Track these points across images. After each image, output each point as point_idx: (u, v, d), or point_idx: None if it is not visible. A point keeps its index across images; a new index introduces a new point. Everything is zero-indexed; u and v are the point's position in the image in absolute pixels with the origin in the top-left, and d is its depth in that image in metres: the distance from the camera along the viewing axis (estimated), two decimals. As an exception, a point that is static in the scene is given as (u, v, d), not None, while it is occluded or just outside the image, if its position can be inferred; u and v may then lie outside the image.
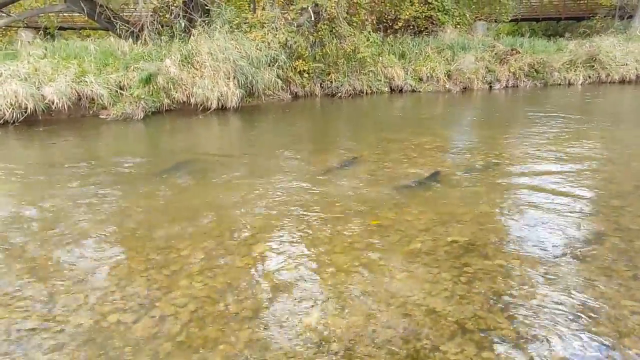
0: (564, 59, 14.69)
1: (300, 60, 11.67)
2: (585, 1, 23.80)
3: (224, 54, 9.53)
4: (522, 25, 26.68)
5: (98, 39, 13.42)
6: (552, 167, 5.31)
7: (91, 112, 8.98)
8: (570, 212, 3.89)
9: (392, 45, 13.54)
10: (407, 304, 2.59)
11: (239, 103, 9.72)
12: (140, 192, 4.68)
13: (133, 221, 3.88)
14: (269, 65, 10.48)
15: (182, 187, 4.85)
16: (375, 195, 4.41)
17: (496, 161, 5.68)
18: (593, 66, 14.76)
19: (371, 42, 12.36)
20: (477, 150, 6.29)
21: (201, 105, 9.49)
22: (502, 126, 8.63)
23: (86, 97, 8.83)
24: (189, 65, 9.52)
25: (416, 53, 13.61)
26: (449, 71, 13.31)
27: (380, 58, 12.86)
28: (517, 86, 14.08)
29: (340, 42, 12.22)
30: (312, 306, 2.60)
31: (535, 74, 14.21)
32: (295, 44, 11.39)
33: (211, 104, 9.43)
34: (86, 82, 8.82)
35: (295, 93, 11.82)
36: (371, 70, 12.73)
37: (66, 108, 8.52)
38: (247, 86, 10.03)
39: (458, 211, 3.93)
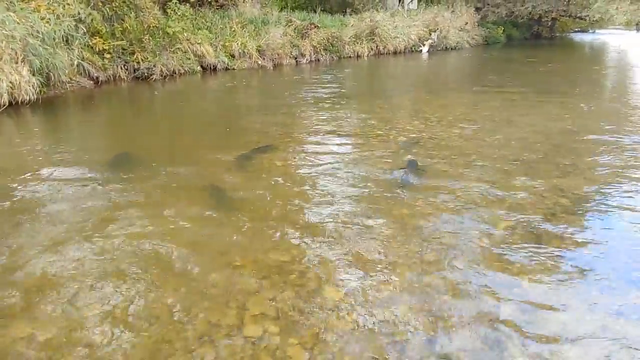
0: (350, 33, 16.82)
1: (98, 38, 10.12)
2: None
3: (6, 29, 7.51)
4: (287, 1, 28.92)
5: None
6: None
7: None
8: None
9: (195, 20, 12.96)
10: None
11: (37, 95, 7.89)
12: None
13: None
14: (66, 44, 8.78)
15: None
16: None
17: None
18: (373, 39, 17.39)
19: (180, 15, 11.59)
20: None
21: (-19, 101, 7.34)
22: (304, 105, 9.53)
23: None
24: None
25: (221, 28, 13.41)
26: (260, 47, 13.65)
27: (186, 34, 12.18)
28: (319, 60, 15.51)
29: (138, 16, 11.08)
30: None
31: (331, 47, 15.89)
32: (89, 16, 9.80)
33: (-1, 99, 7.39)
34: None
35: (97, 78, 10.22)
36: (179, 48, 11.98)
37: None
38: (43, 72, 8.21)
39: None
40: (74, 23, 9.24)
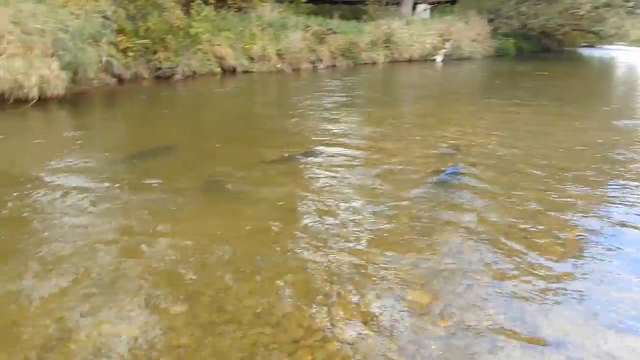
0: (367, 40, 16.80)
1: (122, 36, 10.06)
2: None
3: (39, 24, 7.44)
4: (298, 6, 28.97)
5: None
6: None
7: None
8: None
9: (216, 21, 12.92)
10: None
11: (67, 90, 7.81)
12: None
13: None
14: (95, 41, 8.72)
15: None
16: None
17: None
18: (389, 46, 17.39)
19: (203, 16, 11.55)
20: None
21: (10, 95, 7.24)
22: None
23: None
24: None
25: (241, 30, 13.37)
26: (279, 50, 13.61)
27: (207, 35, 12.12)
28: (335, 65, 15.48)
29: (161, 15, 11.04)
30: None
31: (348, 53, 15.86)
32: (115, 14, 9.75)
33: (28, 92, 7.29)
34: None
35: (120, 76, 10.14)
36: (199, 49, 11.93)
37: None
38: (72, 67, 8.13)
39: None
40: (102, 20, 9.20)
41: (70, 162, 4.95)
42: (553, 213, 3.92)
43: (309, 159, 5.35)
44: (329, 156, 5.45)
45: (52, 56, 7.74)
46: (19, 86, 7.23)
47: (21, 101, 7.28)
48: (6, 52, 7.24)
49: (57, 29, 7.78)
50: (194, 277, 2.88)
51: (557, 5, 21.39)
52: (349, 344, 2.32)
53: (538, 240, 3.44)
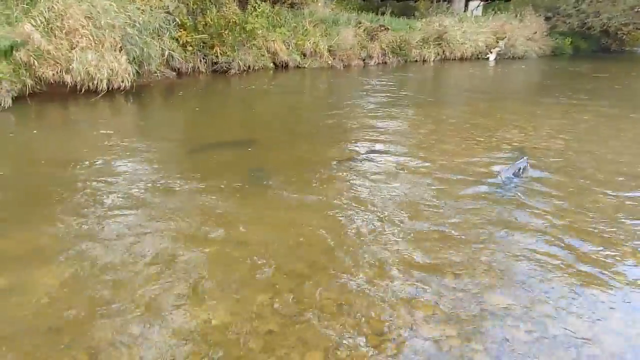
0: (418, 37, 16.61)
1: (183, 30, 10.38)
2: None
3: (109, 18, 7.79)
4: (348, 2, 28.89)
5: None
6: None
7: None
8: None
9: (270, 17, 13.11)
10: None
11: (133, 83, 8.15)
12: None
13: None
14: (158, 36, 9.05)
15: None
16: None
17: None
18: (440, 44, 17.12)
19: (259, 12, 11.75)
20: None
21: (82, 86, 7.63)
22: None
23: None
24: (60, 32, 7.49)
25: (294, 26, 13.51)
26: (331, 47, 13.67)
27: (261, 31, 12.32)
28: (386, 62, 15.40)
29: (219, 11, 11.30)
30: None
31: (399, 50, 15.74)
32: (177, 9, 10.08)
33: (98, 84, 7.66)
34: None
35: (178, 69, 10.49)
36: (254, 44, 12.15)
37: None
38: (137, 61, 8.48)
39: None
40: (164, 15, 9.53)
41: (141, 153, 5.21)
42: (629, 219, 3.80)
43: (372, 156, 5.37)
44: (390, 156, 5.45)
45: (121, 50, 8.10)
46: (90, 78, 7.61)
47: (91, 92, 7.67)
48: (79, 45, 7.63)
49: (125, 24, 8.12)
50: (271, 268, 2.98)
51: (621, 3, 20.41)
52: (433, 341, 2.35)
53: (616, 248, 3.35)
